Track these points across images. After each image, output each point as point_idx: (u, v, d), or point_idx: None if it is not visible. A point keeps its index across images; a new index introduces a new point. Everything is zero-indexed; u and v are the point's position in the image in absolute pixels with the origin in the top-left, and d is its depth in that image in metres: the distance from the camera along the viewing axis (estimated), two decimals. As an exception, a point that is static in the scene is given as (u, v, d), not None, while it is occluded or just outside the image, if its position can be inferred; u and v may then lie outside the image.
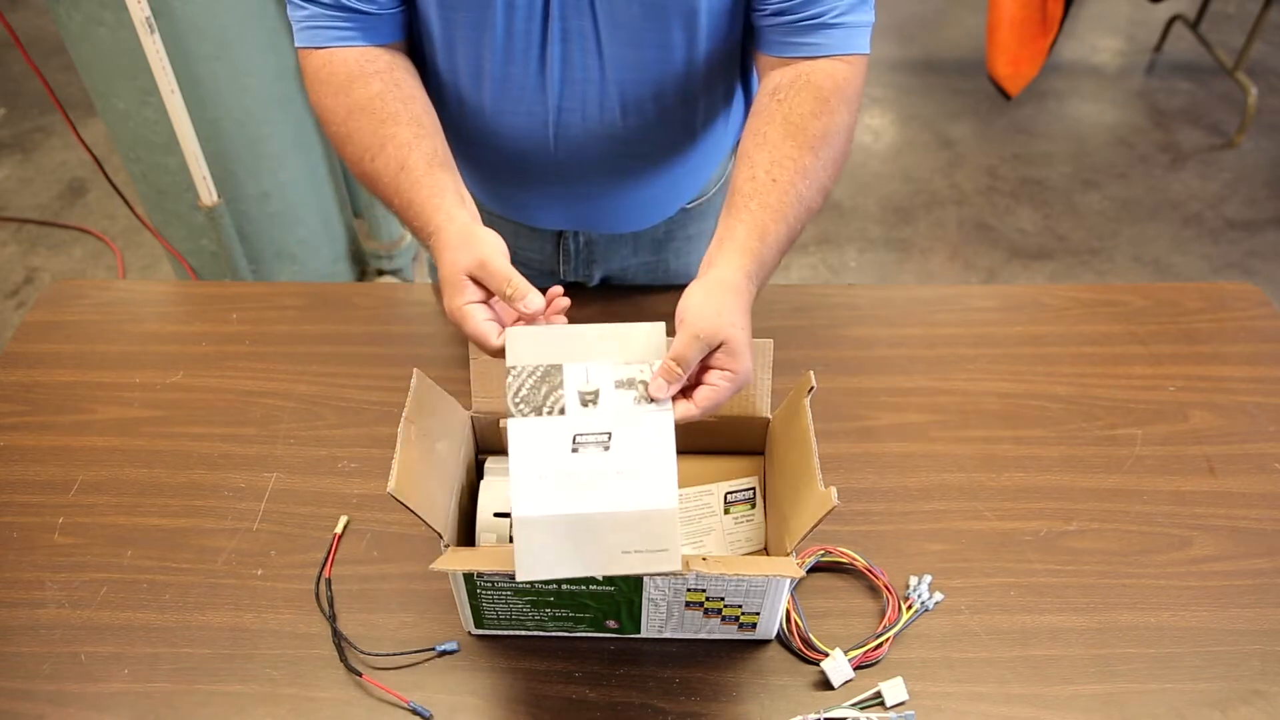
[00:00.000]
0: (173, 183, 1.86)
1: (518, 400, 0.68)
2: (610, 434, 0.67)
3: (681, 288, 1.21)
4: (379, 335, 1.13)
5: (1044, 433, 1.01)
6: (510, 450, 0.66)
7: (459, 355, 0.90)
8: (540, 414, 0.67)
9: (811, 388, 0.79)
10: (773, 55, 0.86)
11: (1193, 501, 0.94)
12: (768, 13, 0.84)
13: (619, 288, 1.18)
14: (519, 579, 0.65)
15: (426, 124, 0.84)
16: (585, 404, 0.68)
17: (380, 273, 2.39)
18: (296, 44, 0.88)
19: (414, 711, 0.78)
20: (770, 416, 0.89)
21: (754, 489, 0.90)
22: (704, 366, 0.71)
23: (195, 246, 1.99)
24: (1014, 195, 2.83)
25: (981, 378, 1.07)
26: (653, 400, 0.68)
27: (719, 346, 0.70)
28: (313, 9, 0.84)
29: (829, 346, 1.11)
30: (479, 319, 0.72)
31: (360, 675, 0.80)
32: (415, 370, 0.81)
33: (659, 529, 0.64)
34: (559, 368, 0.69)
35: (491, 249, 0.73)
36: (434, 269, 1.23)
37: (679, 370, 0.69)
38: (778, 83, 0.84)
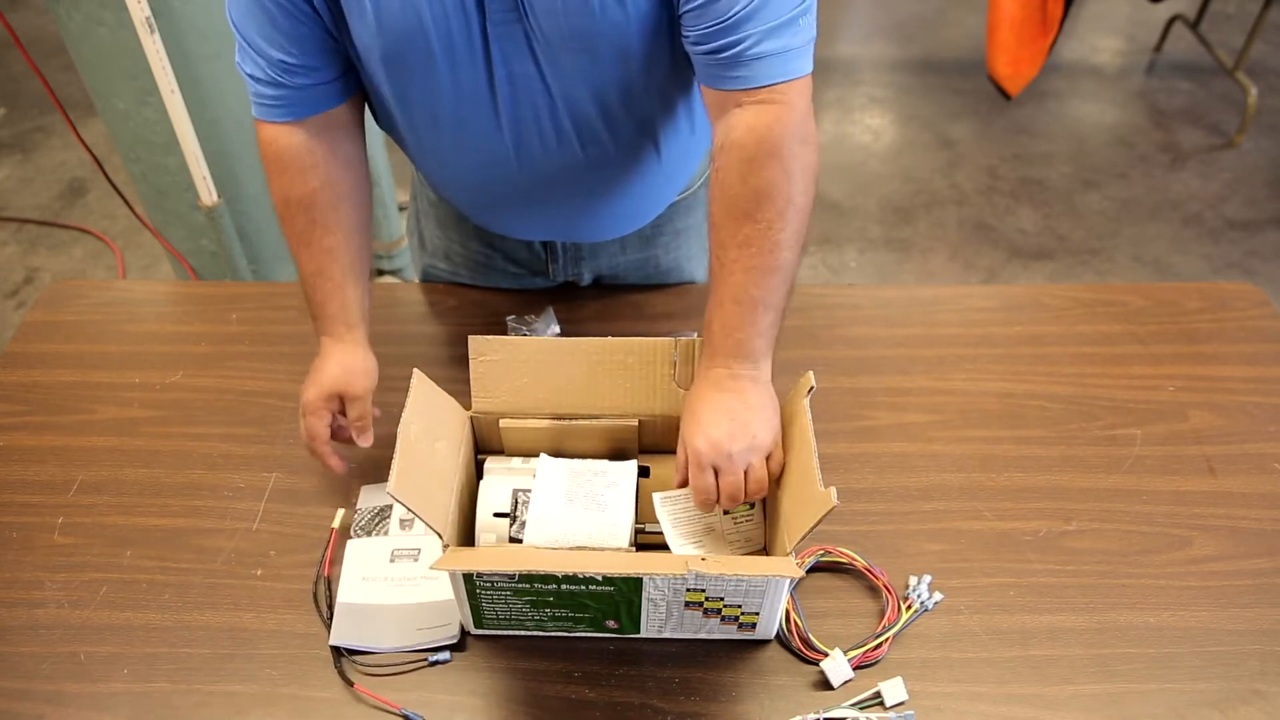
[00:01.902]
0: (173, 183, 1.86)
1: (357, 529, 0.92)
2: (420, 549, 0.90)
3: (674, 285, 1.21)
4: (379, 335, 1.12)
5: (1044, 433, 1.01)
6: (345, 561, 0.89)
7: (459, 355, 0.90)
8: (371, 535, 0.91)
9: (811, 388, 0.80)
10: (708, 88, 0.83)
11: (1193, 501, 0.94)
12: (691, 41, 0.81)
13: (612, 288, 1.18)
14: (330, 642, 0.83)
15: (350, 230, 0.92)
16: (403, 528, 0.92)
17: (380, 273, 2.39)
18: (253, 112, 0.91)
19: (405, 718, 0.78)
20: (770, 416, 0.89)
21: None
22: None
23: (195, 246, 1.99)
24: (1014, 195, 2.83)
25: (981, 378, 1.07)
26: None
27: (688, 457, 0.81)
28: (256, 85, 0.87)
29: (829, 346, 1.11)
30: (321, 421, 0.90)
31: (353, 685, 0.80)
32: (415, 370, 0.81)
33: (442, 612, 0.85)
34: (391, 507, 0.93)
35: (364, 387, 0.91)
36: (427, 271, 1.23)
37: (698, 496, 0.81)
38: (715, 146, 0.83)
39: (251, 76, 0.87)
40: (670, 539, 0.84)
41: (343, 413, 0.92)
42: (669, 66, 0.88)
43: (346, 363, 0.91)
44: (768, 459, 0.81)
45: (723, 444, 0.79)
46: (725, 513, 0.88)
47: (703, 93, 0.85)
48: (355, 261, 0.93)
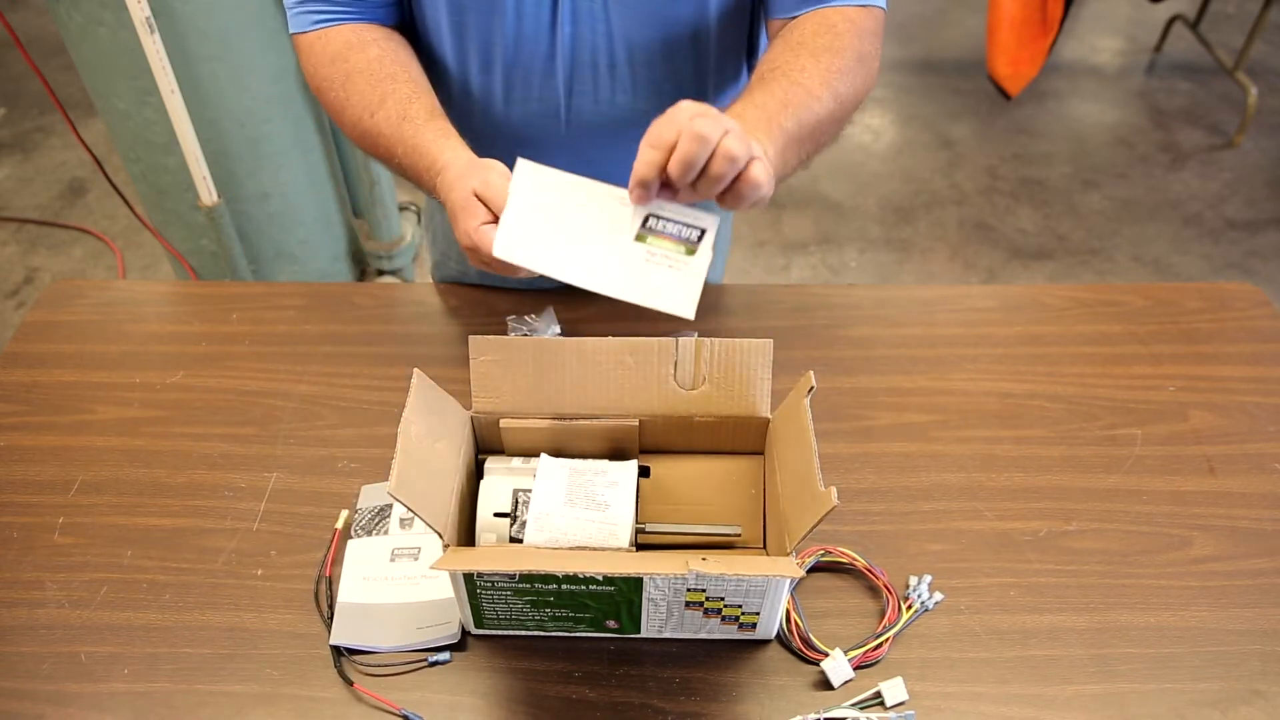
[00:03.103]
0: (173, 183, 1.86)
1: (358, 529, 0.91)
2: (420, 548, 0.89)
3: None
4: (379, 335, 1.13)
5: (1044, 433, 1.01)
6: (345, 560, 0.88)
7: (459, 355, 0.90)
8: (371, 535, 0.90)
9: (811, 388, 0.80)
10: (786, 17, 0.85)
11: (1193, 501, 0.94)
12: None
13: None
14: (330, 642, 0.82)
15: (422, 85, 0.86)
16: (403, 527, 0.91)
17: (380, 273, 2.39)
18: (291, 30, 0.89)
19: (405, 718, 0.78)
20: (770, 416, 0.89)
21: (703, 231, 0.72)
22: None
23: (195, 246, 1.99)
24: (1014, 195, 2.83)
25: (981, 378, 1.07)
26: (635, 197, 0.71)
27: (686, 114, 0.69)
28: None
29: (829, 346, 1.11)
30: (480, 223, 0.75)
31: (352, 685, 0.80)
32: (415, 370, 0.81)
33: (442, 611, 0.84)
34: (390, 506, 0.92)
35: (497, 171, 0.77)
36: (438, 266, 1.23)
37: (643, 171, 0.69)
38: (787, 27, 0.84)
39: None
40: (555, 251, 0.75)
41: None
42: (735, 26, 0.88)
43: (468, 170, 0.78)
44: (748, 165, 0.68)
45: (711, 110, 0.68)
46: (639, 239, 0.75)
47: (775, 27, 0.87)
48: (437, 107, 0.85)
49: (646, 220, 0.73)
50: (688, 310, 0.69)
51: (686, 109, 0.68)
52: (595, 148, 0.95)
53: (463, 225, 0.77)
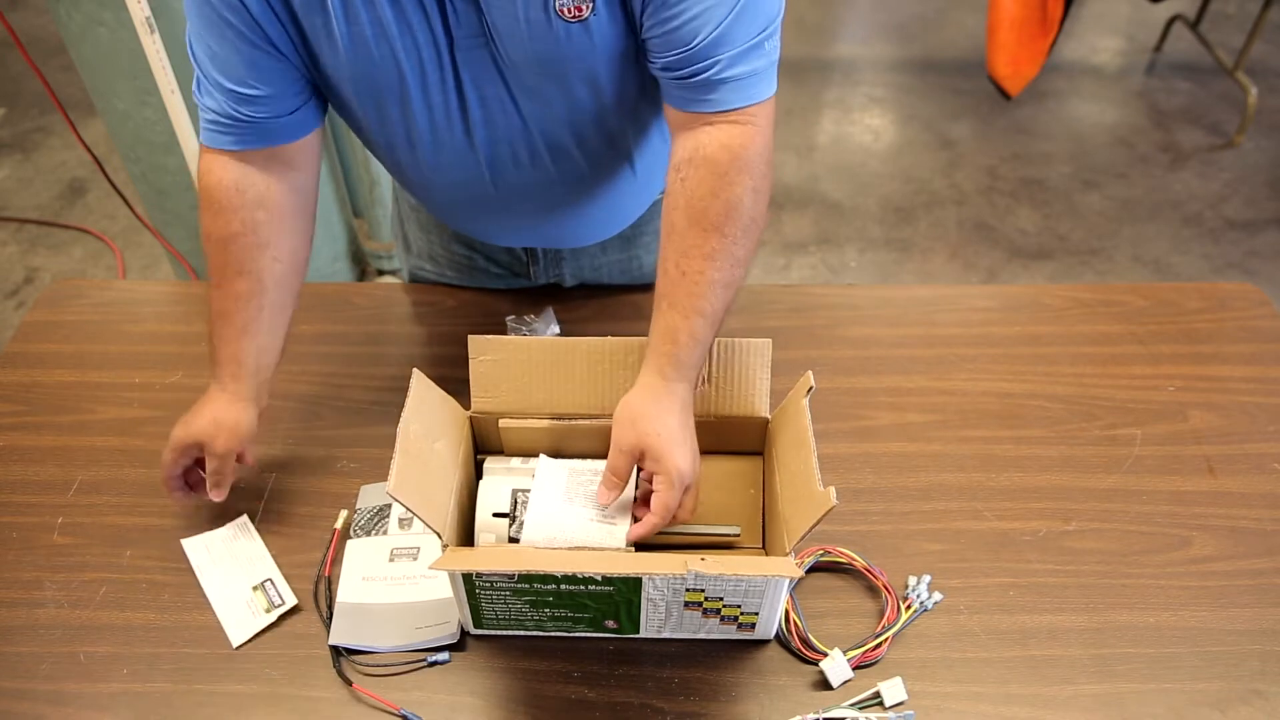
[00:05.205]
0: (173, 183, 1.86)
1: (357, 529, 0.91)
2: (419, 548, 0.89)
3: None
4: (379, 335, 1.13)
5: (1044, 433, 1.01)
6: (345, 560, 0.89)
7: (459, 355, 0.90)
8: (370, 535, 0.91)
9: (811, 388, 0.80)
10: (674, 109, 0.83)
11: (1192, 501, 0.94)
12: (658, 67, 0.81)
13: (594, 289, 1.17)
14: (330, 642, 0.83)
15: (266, 278, 0.89)
16: (402, 527, 0.91)
17: (380, 273, 2.39)
18: (200, 137, 0.88)
19: (404, 718, 0.78)
20: (770, 416, 0.89)
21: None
22: (648, 474, 0.81)
23: (195, 246, 1.99)
24: (1014, 195, 2.83)
25: (981, 378, 1.07)
26: (604, 507, 0.82)
27: (643, 455, 0.79)
28: (208, 115, 0.85)
29: (829, 346, 1.11)
30: (173, 464, 0.89)
31: (352, 685, 0.80)
32: (415, 370, 0.81)
33: (441, 611, 0.84)
34: (390, 506, 0.93)
35: (225, 446, 0.87)
36: (412, 274, 1.23)
37: (614, 479, 0.81)
38: (679, 158, 0.82)
39: (206, 107, 0.85)
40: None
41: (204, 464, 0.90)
42: (638, 88, 0.88)
43: (218, 416, 0.88)
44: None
45: (696, 466, 0.81)
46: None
47: (666, 111, 0.84)
48: (263, 311, 0.89)
49: None
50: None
51: (680, 482, 0.79)
52: (523, 206, 0.99)
53: (176, 432, 0.88)
